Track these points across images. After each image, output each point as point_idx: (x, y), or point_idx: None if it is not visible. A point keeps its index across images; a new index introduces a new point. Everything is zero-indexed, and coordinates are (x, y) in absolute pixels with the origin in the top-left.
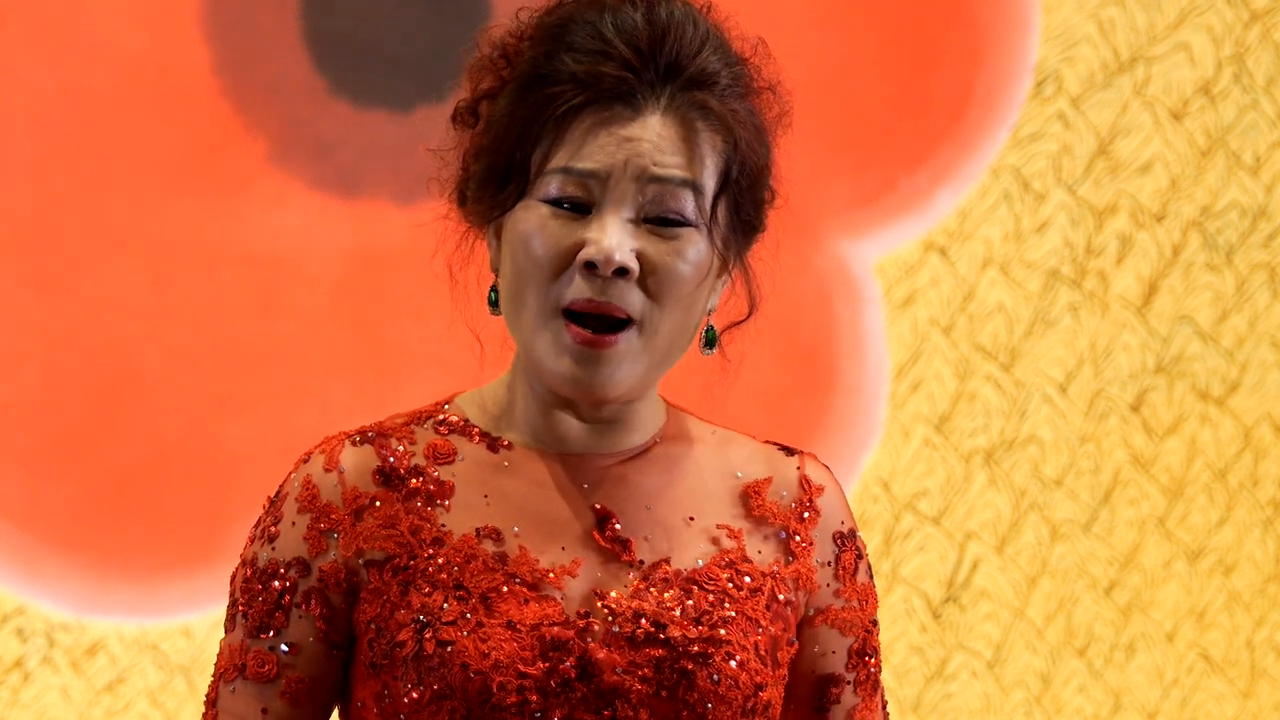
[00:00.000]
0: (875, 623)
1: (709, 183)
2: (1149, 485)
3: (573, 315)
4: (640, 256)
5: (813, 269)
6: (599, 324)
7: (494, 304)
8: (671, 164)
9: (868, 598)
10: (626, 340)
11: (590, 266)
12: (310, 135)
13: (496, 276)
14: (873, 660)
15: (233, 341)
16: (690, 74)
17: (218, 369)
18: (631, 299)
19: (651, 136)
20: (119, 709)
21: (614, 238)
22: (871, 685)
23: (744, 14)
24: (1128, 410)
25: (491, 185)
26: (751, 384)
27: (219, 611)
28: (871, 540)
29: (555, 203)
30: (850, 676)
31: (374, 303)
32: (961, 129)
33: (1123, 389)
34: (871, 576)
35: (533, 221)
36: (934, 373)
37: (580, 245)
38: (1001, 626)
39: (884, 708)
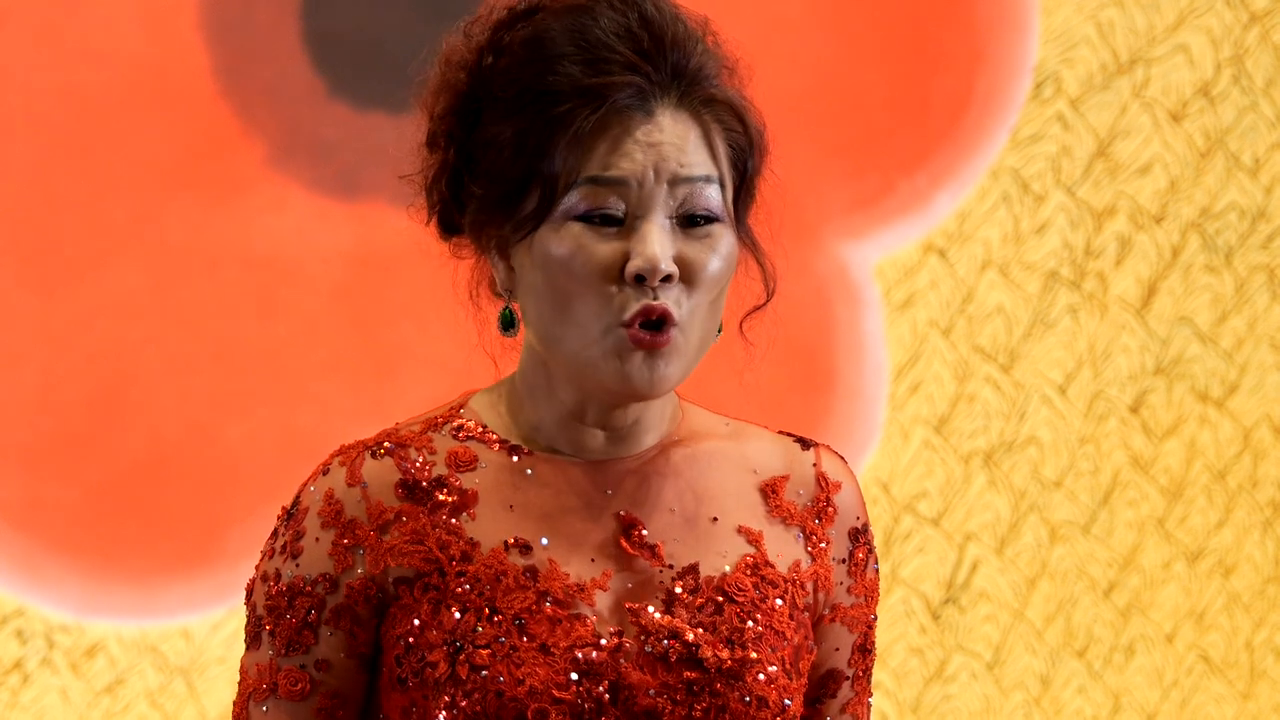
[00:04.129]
0: (875, 618)
1: (728, 175)
2: (1148, 487)
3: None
4: (678, 260)
5: (812, 271)
6: (652, 324)
7: (507, 326)
8: (695, 162)
9: (873, 593)
10: (674, 338)
11: (639, 280)
12: (309, 137)
13: (508, 298)
14: (870, 655)
15: (232, 343)
16: (692, 69)
17: (217, 370)
18: (676, 301)
19: (671, 138)
20: (118, 711)
21: (657, 245)
22: (866, 679)
23: (744, 16)
24: (1127, 412)
25: (504, 209)
26: (751, 385)
27: (218, 613)
28: None
29: (586, 218)
30: (850, 672)
31: (373, 304)
32: (960, 131)
33: (1122, 390)
34: (878, 572)
35: (568, 242)
36: (933, 374)
37: (621, 258)
38: (1001, 628)
39: (869, 702)
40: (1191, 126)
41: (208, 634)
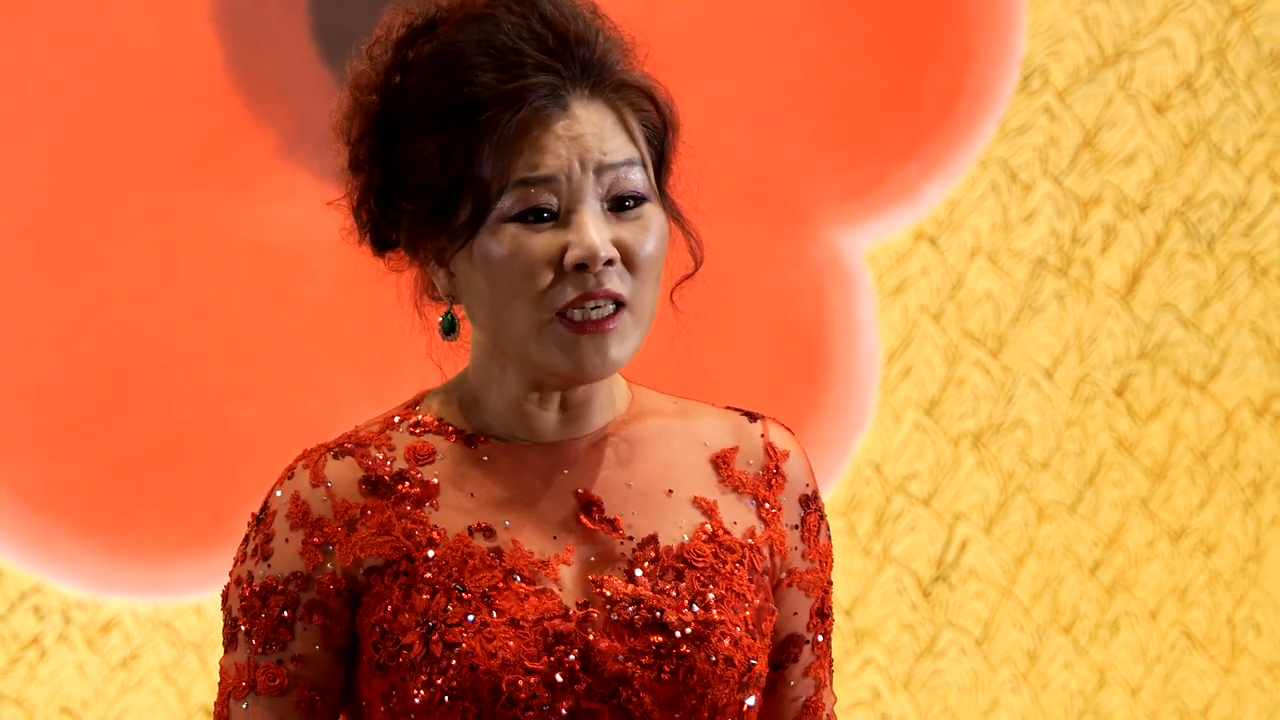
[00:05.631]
0: (831, 583)
1: (647, 154)
2: (1132, 468)
3: (564, 315)
4: (616, 244)
5: (807, 259)
6: (594, 309)
7: (449, 330)
8: (616, 147)
9: (827, 558)
10: (622, 320)
11: (581, 268)
12: (319, 128)
13: (451, 304)
14: (829, 619)
15: (242, 330)
16: (598, 59)
17: (227, 356)
18: (619, 283)
19: (590, 128)
20: (133, 685)
21: (593, 233)
22: (827, 643)
23: (741, 11)
24: (1112, 395)
25: (438, 220)
26: (747, 370)
27: None
28: (863, 521)
29: (520, 218)
30: (810, 636)
31: (379, 292)
32: (951, 122)
33: (1107, 374)
34: (830, 538)
35: (505, 243)
36: (924, 359)
37: (559, 250)
38: (989, 605)
39: (831, 665)
40: (1175, 118)
41: (220, 610)
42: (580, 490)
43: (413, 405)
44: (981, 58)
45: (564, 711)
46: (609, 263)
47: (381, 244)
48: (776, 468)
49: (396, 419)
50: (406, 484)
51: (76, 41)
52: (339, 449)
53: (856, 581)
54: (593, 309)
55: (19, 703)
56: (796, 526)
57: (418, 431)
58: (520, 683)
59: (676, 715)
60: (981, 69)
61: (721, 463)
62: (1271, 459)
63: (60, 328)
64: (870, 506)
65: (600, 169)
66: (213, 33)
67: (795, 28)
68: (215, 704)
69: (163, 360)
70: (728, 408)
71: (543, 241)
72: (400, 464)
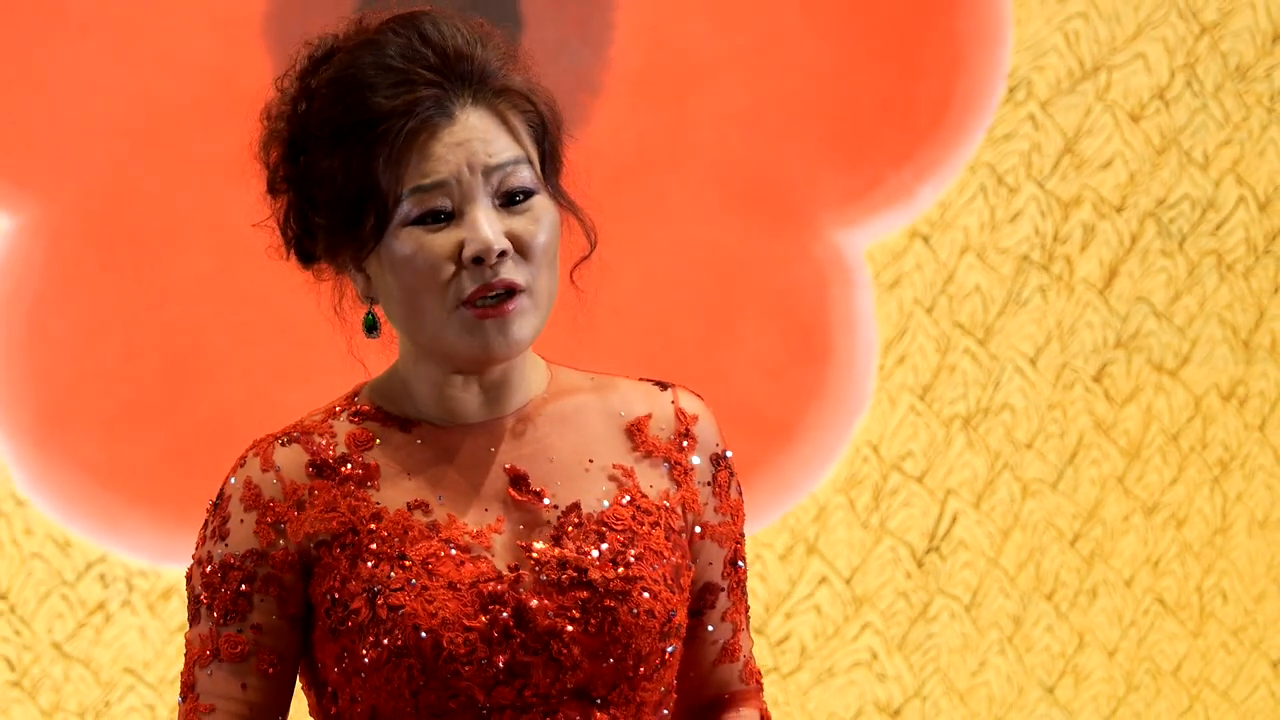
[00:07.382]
0: (744, 535)
1: (532, 150)
2: (1109, 448)
3: (468, 304)
4: (509, 235)
5: (810, 256)
6: (493, 298)
7: (370, 329)
8: (500, 149)
9: (739, 512)
10: (520, 302)
11: (478, 260)
12: None
13: (370, 305)
14: (742, 567)
15: (291, 319)
16: (478, 69)
17: (278, 342)
18: (516, 272)
19: (475, 134)
20: None
21: (486, 228)
22: (741, 590)
23: (747, 26)
24: (1090, 381)
25: (347, 230)
26: (755, 358)
27: None
28: (862, 497)
29: (419, 221)
30: (724, 584)
31: None
32: (942, 130)
33: (1086, 362)
34: (741, 494)
35: (408, 245)
36: (918, 347)
37: (457, 246)
38: (978, 574)
39: (747, 610)
40: (1149, 126)
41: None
42: (508, 466)
43: (352, 396)
44: (971, 71)
45: (500, 664)
46: (503, 254)
47: (306, 258)
48: (687, 430)
49: (337, 409)
50: (349, 466)
51: (138, 54)
52: (286, 437)
53: (856, 552)
54: (492, 297)
55: (86, 663)
56: (708, 483)
57: (357, 420)
58: (460, 639)
59: (604, 664)
60: (971, 81)
61: (636, 430)
62: (1237, 440)
63: (123, 318)
64: (868, 484)
65: (488, 170)
66: (264, 45)
67: (798, 43)
68: (181, 673)
69: (218, 347)
70: (641, 379)
71: (441, 240)
72: (342, 449)
